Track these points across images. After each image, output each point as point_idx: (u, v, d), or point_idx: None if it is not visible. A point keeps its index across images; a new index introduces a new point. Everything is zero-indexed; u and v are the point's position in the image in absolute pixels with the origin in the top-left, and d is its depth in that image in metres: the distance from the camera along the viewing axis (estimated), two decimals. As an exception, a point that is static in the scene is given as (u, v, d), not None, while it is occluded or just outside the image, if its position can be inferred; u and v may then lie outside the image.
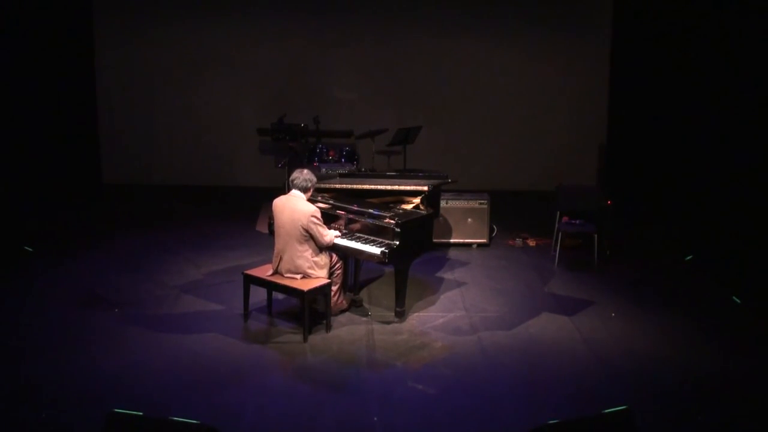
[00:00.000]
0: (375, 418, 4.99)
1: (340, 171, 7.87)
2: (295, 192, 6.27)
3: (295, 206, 6.19)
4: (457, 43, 11.20)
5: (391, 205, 6.87)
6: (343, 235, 6.49)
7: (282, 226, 6.23)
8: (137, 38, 11.08)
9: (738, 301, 7.04)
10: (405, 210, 6.74)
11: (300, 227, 6.12)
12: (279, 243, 6.27)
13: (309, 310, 6.07)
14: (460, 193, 8.60)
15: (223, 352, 5.88)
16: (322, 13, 11.09)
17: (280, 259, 6.25)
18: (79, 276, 7.40)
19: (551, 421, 3.52)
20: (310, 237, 6.16)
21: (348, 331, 6.35)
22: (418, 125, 9.99)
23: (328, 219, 6.61)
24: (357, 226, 6.55)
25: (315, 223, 6.13)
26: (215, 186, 11.23)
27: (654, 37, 10.02)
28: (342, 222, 6.63)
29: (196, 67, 11.18)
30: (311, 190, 6.35)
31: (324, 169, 8.76)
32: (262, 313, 6.59)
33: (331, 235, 6.27)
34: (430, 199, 6.88)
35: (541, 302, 7.05)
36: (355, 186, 7.12)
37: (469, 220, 8.60)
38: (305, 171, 6.36)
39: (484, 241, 8.65)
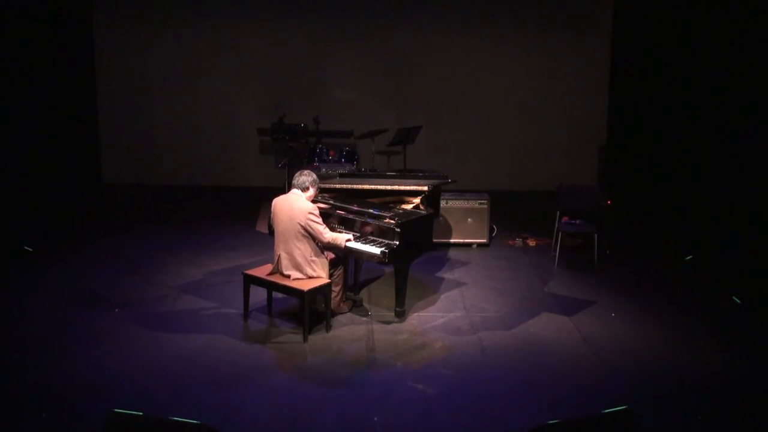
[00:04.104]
0: (375, 418, 4.99)
1: (340, 171, 7.87)
2: (294, 191, 6.28)
3: (293, 204, 6.20)
4: (458, 44, 11.21)
5: (391, 205, 6.87)
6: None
7: (280, 223, 6.24)
8: (137, 39, 11.09)
9: (738, 301, 7.04)
10: (405, 210, 6.74)
11: (298, 224, 6.12)
12: (278, 241, 6.27)
13: (309, 310, 6.07)
14: (460, 193, 8.60)
15: (223, 352, 5.88)
16: (323, 13, 11.10)
17: (279, 257, 6.25)
18: (79, 276, 7.40)
19: (551, 421, 3.52)
20: (309, 235, 6.16)
21: (348, 331, 6.35)
22: (418, 125, 9.99)
23: (328, 219, 6.61)
24: (357, 226, 6.55)
25: (313, 221, 6.13)
26: (215, 186, 11.24)
27: (654, 38, 10.03)
28: (342, 222, 6.63)
29: (195, 68, 11.19)
30: (311, 189, 6.30)
31: (324, 169, 8.75)
32: (262, 313, 6.59)
33: (332, 234, 6.25)
34: (430, 199, 6.88)
35: (541, 302, 7.05)
36: (355, 186, 7.12)
37: (469, 220, 8.60)
38: (305, 172, 6.37)
39: (484, 241, 8.65)
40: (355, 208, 6.65)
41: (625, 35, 10.74)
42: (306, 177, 6.30)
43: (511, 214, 9.77)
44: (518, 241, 8.82)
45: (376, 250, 6.24)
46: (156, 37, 11.12)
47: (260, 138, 11.10)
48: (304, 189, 6.27)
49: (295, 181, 6.32)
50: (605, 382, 5.58)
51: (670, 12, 9.69)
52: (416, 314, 6.69)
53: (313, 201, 6.46)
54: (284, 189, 9.36)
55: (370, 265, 7.22)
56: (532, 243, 8.81)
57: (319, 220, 6.21)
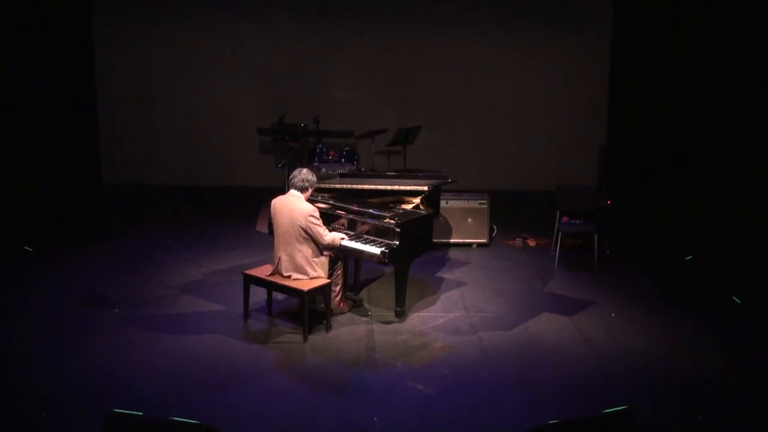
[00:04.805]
0: (375, 418, 4.99)
1: (340, 171, 7.87)
2: (293, 192, 6.27)
3: (293, 206, 6.19)
4: (458, 43, 11.21)
5: (391, 205, 6.87)
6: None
7: (281, 225, 6.24)
8: (137, 38, 11.09)
9: (738, 301, 7.04)
10: (405, 210, 6.74)
11: (298, 227, 6.12)
12: (278, 243, 6.27)
13: (309, 310, 6.08)
14: (460, 193, 8.60)
15: (223, 352, 5.88)
16: (323, 14, 11.10)
17: (280, 258, 6.25)
18: (79, 276, 7.40)
19: (551, 421, 3.52)
20: (309, 237, 6.16)
21: (348, 331, 6.35)
22: (418, 125, 9.99)
23: (328, 219, 6.61)
24: (357, 226, 6.55)
25: (313, 223, 6.13)
26: (215, 186, 11.24)
27: (654, 37, 10.03)
28: (342, 222, 6.64)
29: (196, 67, 11.19)
30: (310, 190, 6.31)
31: (324, 169, 8.76)
32: (262, 313, 6.59)
33: (331, 236, 6.26)
34: (430, 199, 6.88)
35: (541, 302, 7.05)
36: (355, 186, 7.12)
37: (469, 220, 8.60)
38: (304, 170, 6.35)
39: (484, 241, 8.65)
40: (355, 208, 6.65)
41: (625, 35, 10.74)
42: (305, 176, 6.28)
43: (511, 214, 9.77)
44: (518, 241, 8.82)
45: (376, 250, 6.24)
46: (156, 37, 11.11)
47: (260, 138, 11.10)
48: (303, 190, 6.27)
49: (293, 181, 6.30)
50: (605, 382, 5.58)
51: (670, 11, 9.69)
52: (416, 314, 6.69)
53: (313, 201, 6.47)
54: (284, 189, 9.33)
55: (370, 265, 7.22)
56: (532, 243, 8.81)
57: (320, 222, 6.20)
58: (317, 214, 6.20)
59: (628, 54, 10.65)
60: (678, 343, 6.21)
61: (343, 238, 6.36)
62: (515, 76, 11.31)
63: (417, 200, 6.86)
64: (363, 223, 6.51)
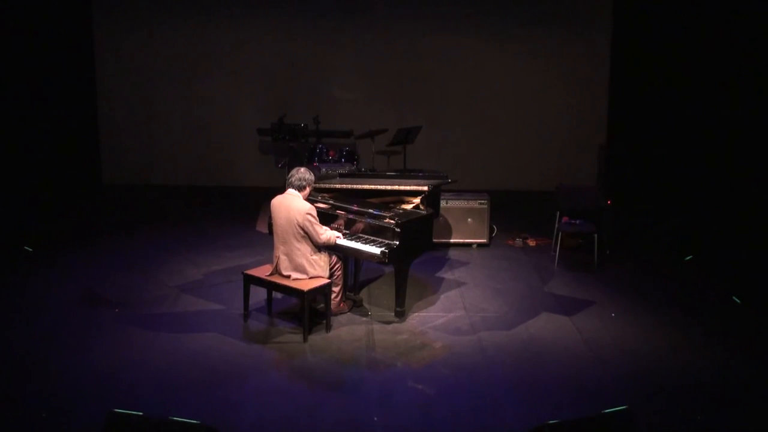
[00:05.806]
0: (375, 418, 4.99)
1: (340, 171, 7.87)
2: (291, 191, 6.27)
3: (290, 205, 6.19)
4: (458, 43, 11.21)
5: (391, 205, 6.87)
6: (343, 235, 6.50)
7: (279, 225, 6.24)
8: (137, 39, 11.10)
9: (738, 301, 7.04)
10: (405, 210, 6.74)
11: (296, 225, 6.13)
12: (277, 242, 6.28)
13: (309, 310, 6.08)
14: (460, 193, 8.60)
15: (223, 352, 5.88)
16: (322, 13, 11.10)
17: (279, 258, 6.25)
18: (79, 276, 7.40)
19: (551, 421, 3.52)
20: (306, 235, 6.16)
21: (348, 331, 6.35)
22: (418, 125, 9.99)
23: (328, 219, 6.62)
24: (357, 226, 6.55)
25: (310, 221, 6.13)
26: (215, 186, 11.24)
27: (654, 38, 10.03)
28: (342, 222, 6.64)
29: (196, 67, 11.20)
30: (308, 189, 6.31)
31: (324, 169, 8.76)
32: (262, 313, 6.59)
33: (327, 234, 6.27)
34: (430, 199, 6.88)
35: (541, 302, 7.05)
36: (355, 186, 7.12)
37: (469, 220, 8.60)
38: (301, 169, 6.35)
39: (484, 241, 8.65)
40: (355, 208, 6.65)
41: (626, 35, 10.74)
42: (302, 175, 6.29)
43: (511, 214, 9.77)
44: (518, 241, 8.82)
45: (376, 250, 6.25)
46: (156, 37, 11.12)
47: (260, 138, 11.10)
48: (300, 188, 6.27)
49: (291, 180, 6.31)
50: (605, 382, 5.58)
51: (669, 12, 9.69)
52: (416, 314, 6.69)
53: (314, 201, 6.47)
54: (284, 189, 9.37)
55: (370, 265, 7.22)
56: (532, 243, 8.81)
57: (317, 220, 6.21)
58: (314, 213, 6.21)
59: (628, 54, 10.65)
60: (678, 343, 6.21)
61: (339, 238, 6.37)
62: (515, 76, 11.31)
63: (417, 200, 6.86)
64: (363, 222, 6.51)
